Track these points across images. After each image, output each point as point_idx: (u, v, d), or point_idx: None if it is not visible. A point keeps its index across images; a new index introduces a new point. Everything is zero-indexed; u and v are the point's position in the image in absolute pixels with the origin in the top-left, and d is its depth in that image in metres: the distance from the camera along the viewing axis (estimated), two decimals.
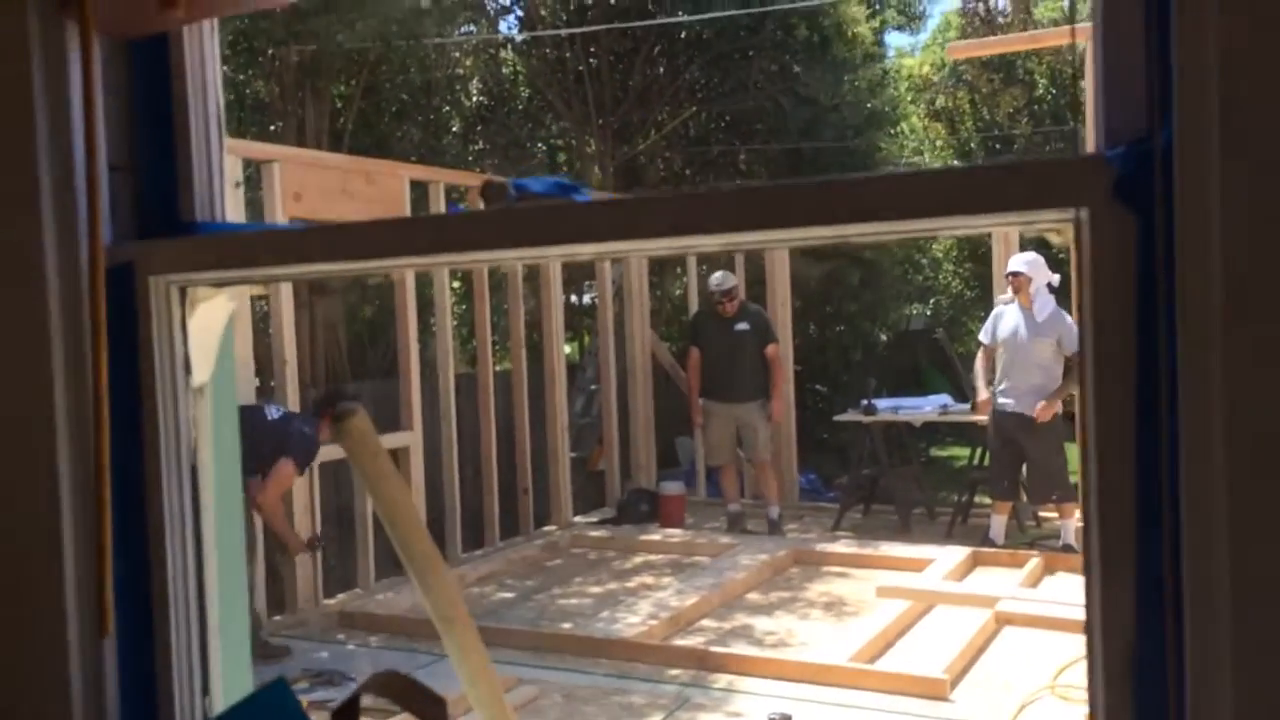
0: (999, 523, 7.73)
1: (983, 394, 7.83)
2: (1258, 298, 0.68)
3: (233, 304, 1.30)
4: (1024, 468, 7.75)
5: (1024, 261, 7.51)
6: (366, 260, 1.11)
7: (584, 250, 0.97)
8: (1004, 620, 6.03)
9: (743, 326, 8.30)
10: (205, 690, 1.29)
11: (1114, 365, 0.75)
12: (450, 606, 1.25)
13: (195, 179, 1.26)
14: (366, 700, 1.11)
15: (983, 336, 7.93)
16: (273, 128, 10.26)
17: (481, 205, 1.13)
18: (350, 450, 1.19)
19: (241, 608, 1.41)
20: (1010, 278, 7.56)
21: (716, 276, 8.48)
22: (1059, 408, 7.45)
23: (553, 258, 1.04)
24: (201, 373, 1.28)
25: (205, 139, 1.26)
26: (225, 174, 1.29)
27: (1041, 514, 8.27)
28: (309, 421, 6.24)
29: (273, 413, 6.19)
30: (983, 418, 7.95)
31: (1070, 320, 7.44)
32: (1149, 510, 0.74)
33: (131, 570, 1.26)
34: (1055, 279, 7.64)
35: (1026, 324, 7.44)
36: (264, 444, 5.87)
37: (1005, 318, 7.59)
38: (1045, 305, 7.45)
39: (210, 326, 1.28)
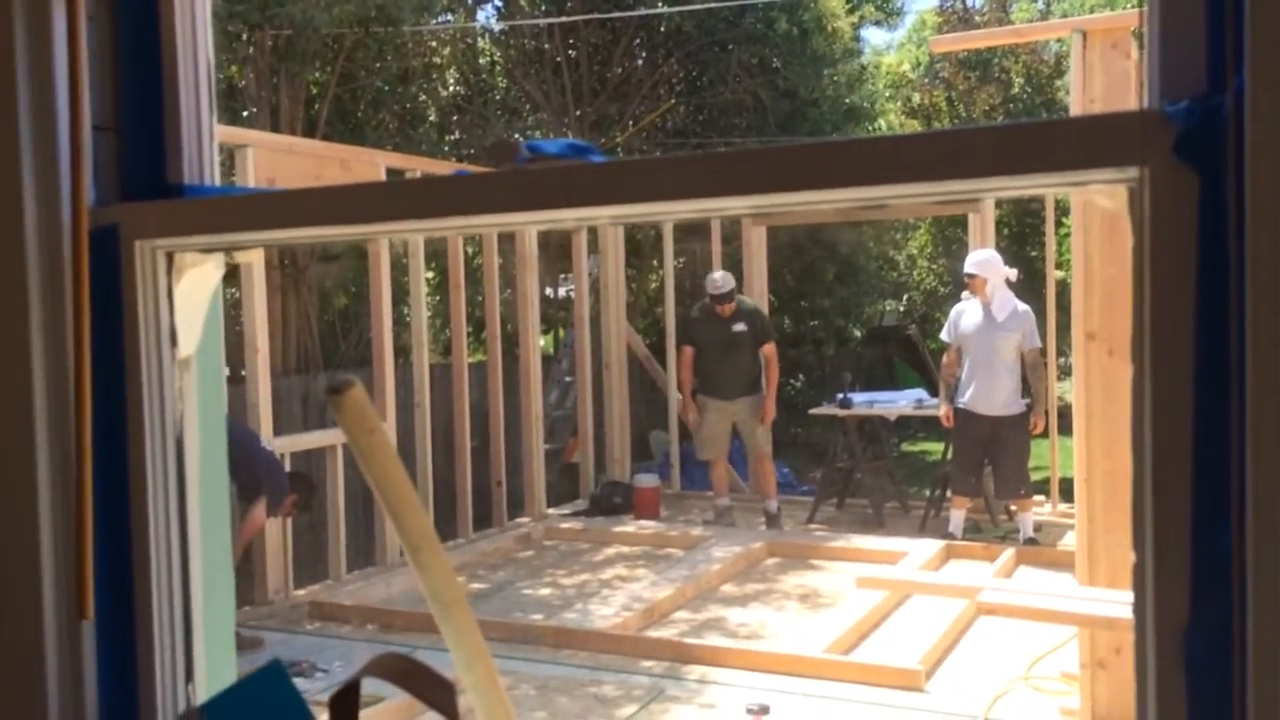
0: (958, 518, 7.76)
1: (944, 407, 7.85)
2: None
3: (221, 272, 1.24)
4: (987, 465, 7.80)
5: (976, 262, 7.50)
6: (366, 224, 1.06)
7: (601, 214, 0.92)
8: (984, 610, 6.05)
9: (740, 327, 8.19)
10: (189, 677, 1.24)
11: (1173, 335, 0.71)
12: (447, 588, 1.20)
13: (184, 140, 1.19)
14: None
15: (945, 335, 7.93)
16: (245, 114, 10.10)
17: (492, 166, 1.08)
18: (345, 424, 1.13)
19: (227, 590, 1.36)
20: (967, 279, 7.58)
21: (716, 277, 8.26)
22: (1043, 416, 7.54)
23: (568, 222, 0.99)
24: (188, 344, 1.22)
25: (195, 99, 1.20)
26: (215, 136, 1.23)
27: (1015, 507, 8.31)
28: (283, 471, 6.22)
29: (264, 445, 6.11)
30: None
31: (1031, 316, 7.52)
32: (1206, 489, 0.71)
33: (112, 550, 1.20)
34: (1012, 274, 7.68)
35: (988, 322, 7.44)
36: (244, 473, 5.74)
37: (967, 314, 7.60)
38: (1006, 303, 7.45)
39: (197, 295, 1.22)
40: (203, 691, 1.26)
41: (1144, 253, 0.73)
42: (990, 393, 7.46)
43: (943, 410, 7.88)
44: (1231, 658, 0.69)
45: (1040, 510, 8.24)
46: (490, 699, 1.26)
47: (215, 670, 1.30)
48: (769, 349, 8.30)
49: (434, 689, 0.96)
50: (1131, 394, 0.74)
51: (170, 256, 1.18)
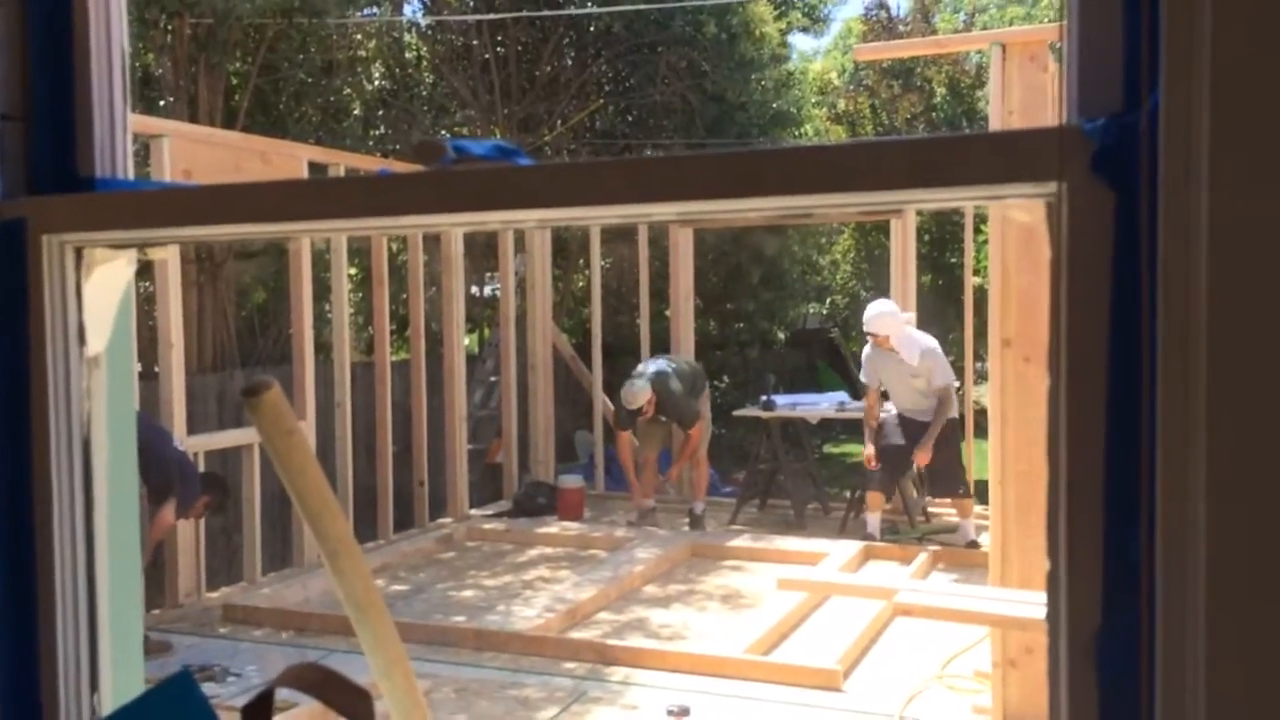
0: (875, 519, 7.85)
1: (869, 449, 7.91)
2: (1245, 285, 0.66)
3: (133, 268, 1.20)
4: (913, 467, 7.92)
5: (874, 319, 7.55)
6: (285, 223, 1.04)
7: (527, 218, 0.91)
8: (901, 611, 6.14)
9: (663, 418, 8.35)
10: (94, 686, 1.20)
11: (1088, 349, 0.73)
12: (364, 592, 1.18)
13: (96, 131, 1.15)
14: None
15: (864, 378, 7.99)
16: (163, 103, 9.84)
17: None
18: (262, 427, 1.11)
19: (135, 597, 1.32)
20: (870, 337, 7.64)
21: (626, 392, 8.18)
22: (930, 450, 7.58)
23: (492, 225, 0.98)
24: (97, 341, 1.18)
25: (108, 88, 1.16)
26: (129, 127, 1.19)
27: (932, 510, 8.46)
28: (196, 472, 6.08)
29: (177, 444, 5.98)
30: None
31: (938, 353, 7.60)
32: (1118, 499, 0.73)
33: (13, 554, 1.15)
34: (910, 317, 7.82)
35: (899, 366, 7.57)
36: (155, 474, 5.59)
37: (878, 359, 7.68)
38: (913, 347, 7.51)
39: (108, 291, 1.18)
40: (109, 702, 1.22)
41: (1061, 267, 0.75)
42: (915, 410, 7.62)
43: (867, 452, 7.93)
44: (1140, 660, 0.72)
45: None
46: (407, 705, 1.24)
47: (122, 680, 1.26)
48: (695, 431, 8.40)
49: (349, 699, 0.94)
50: (1048, 405, 0.76)
51: (79, 252, 1.14)
